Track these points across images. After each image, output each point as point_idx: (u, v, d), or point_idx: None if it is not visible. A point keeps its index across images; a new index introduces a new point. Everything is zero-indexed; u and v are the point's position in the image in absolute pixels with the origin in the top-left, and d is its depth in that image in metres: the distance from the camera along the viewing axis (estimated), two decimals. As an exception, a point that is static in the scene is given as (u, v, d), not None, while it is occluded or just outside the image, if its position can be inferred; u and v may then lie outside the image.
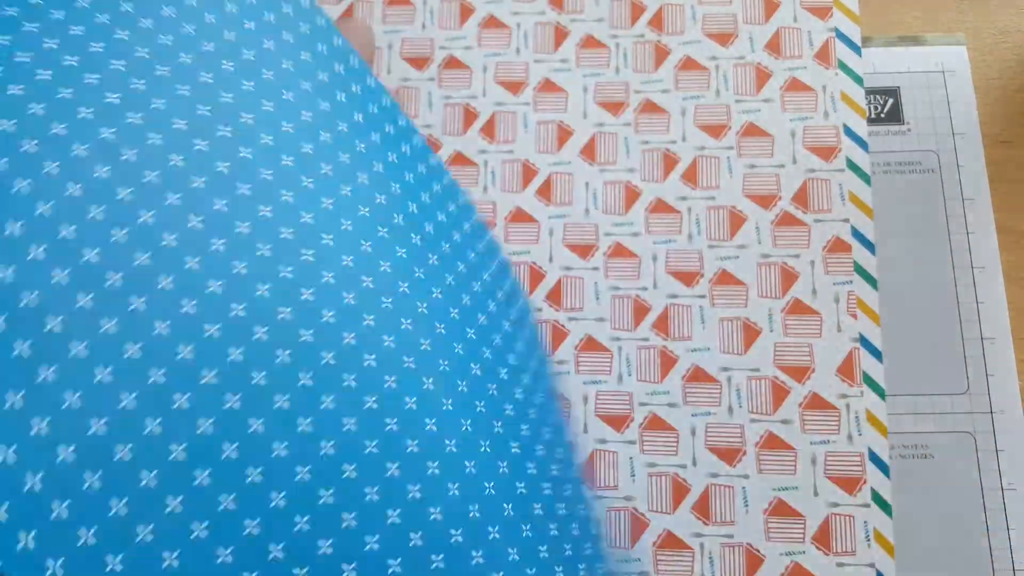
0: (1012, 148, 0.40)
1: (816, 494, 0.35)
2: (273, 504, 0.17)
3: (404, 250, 0.21)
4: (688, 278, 0.38)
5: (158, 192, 0.18)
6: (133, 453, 0.16)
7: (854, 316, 0.37)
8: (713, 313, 0.37)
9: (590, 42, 0.41)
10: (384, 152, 0.22)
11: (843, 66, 0.40)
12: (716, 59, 0.41)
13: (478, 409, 0.21)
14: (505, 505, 0.20)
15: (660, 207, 0.39)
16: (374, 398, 0.19)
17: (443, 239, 0.23)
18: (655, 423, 0.36)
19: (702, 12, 0.41)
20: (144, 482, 0.16)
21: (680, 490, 0.35)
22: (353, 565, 0.18)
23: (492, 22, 0.42)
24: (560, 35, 0.42)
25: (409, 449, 0.19)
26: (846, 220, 0.38)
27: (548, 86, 0.41)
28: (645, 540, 0.35)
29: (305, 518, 0.18)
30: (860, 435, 0.35)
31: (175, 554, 0.16)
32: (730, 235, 0.38)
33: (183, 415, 0.17)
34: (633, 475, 0.35)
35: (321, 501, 0.18)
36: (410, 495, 0.19)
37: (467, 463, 0.20)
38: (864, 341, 0.36)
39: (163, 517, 0.17)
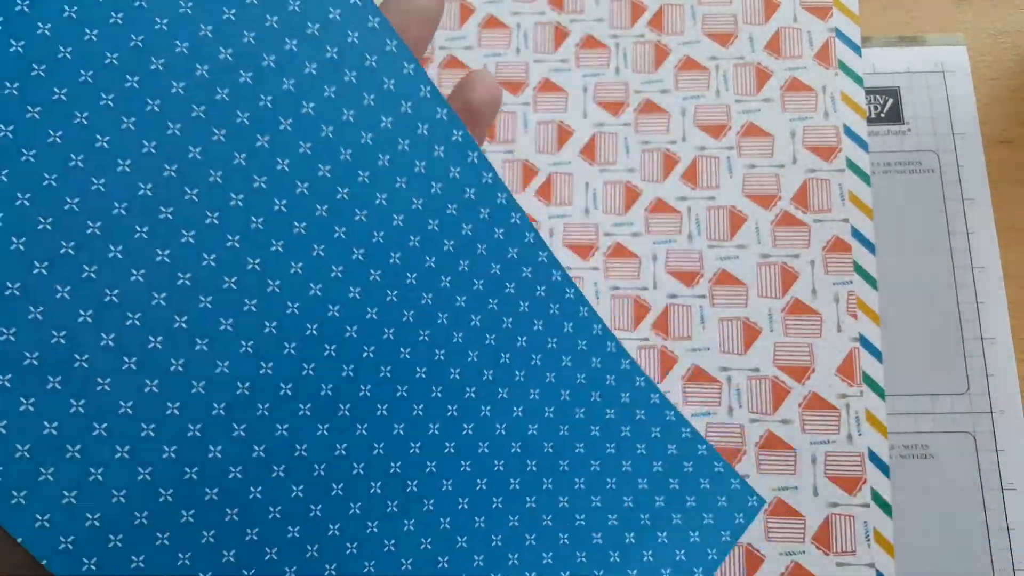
0: (1012, 148, 0.40)
1: (816, 494, 0.35)
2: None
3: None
4: (688, 278, 0.38)
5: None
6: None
7: (854, 316, 0.37)
8: (713, 313, 0.37)
9: (590, 42, 0.41)
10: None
11: (843, 66, 0.40)
12: (716, 59, 0.41)
13: None
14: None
15: (660, 207, 0.39)
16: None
17: None
18: (655, 423, 0.36)
19: (702, 12, 0.41)
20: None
21: (680, 490, 0.35)
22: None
23: (492, 22, 0.42)
24: (560, 35, 0.42)
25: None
26: (846, 220, 0.38)
27: (548, 86, 0.41)
28: (645, 540, 0.35)
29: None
30: (860, 435, 0.35)
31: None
32: (730, 235, 0.38)
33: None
34: (633, 475, 0.35)
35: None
36: None
37: None
38: (864, 341, 0.36)
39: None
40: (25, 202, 0.16)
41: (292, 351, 0.19)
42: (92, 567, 0.16)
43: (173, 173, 0.18)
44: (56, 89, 0.17)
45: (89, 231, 0.17)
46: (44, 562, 0.16)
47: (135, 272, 0.17)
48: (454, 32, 0.42)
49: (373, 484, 0.20)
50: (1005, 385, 0.36)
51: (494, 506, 0.22)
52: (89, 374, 0.17)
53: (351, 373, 0.20)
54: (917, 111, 0.40)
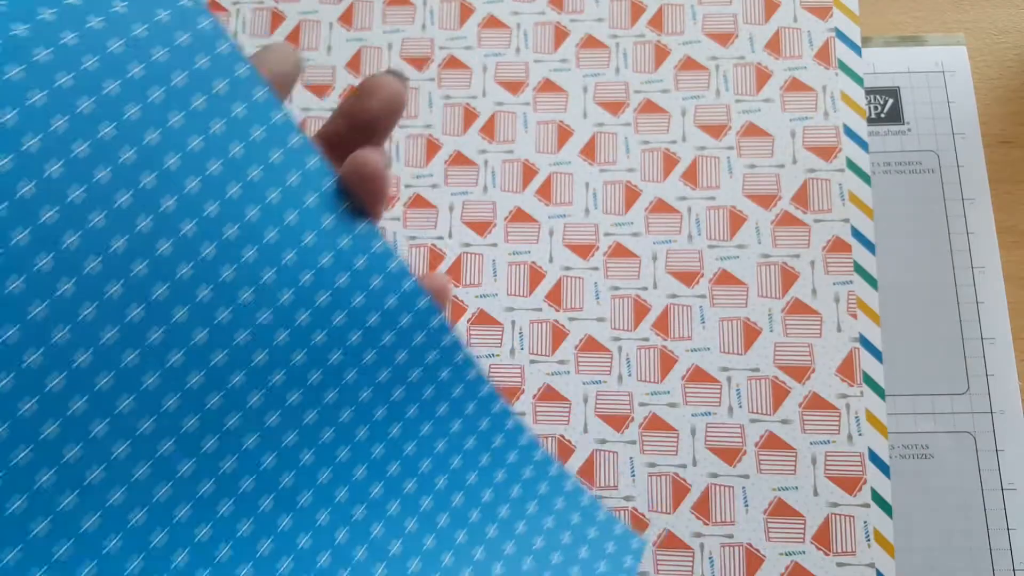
0: (1012, 148, 0.40)
1: (816, 494, 0.35)
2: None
3: None
4: (688, 278, 0.38)
5: None
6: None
7: (854, 316, 0.37)
8: (713, 313, 0.37)
9: (590, 42, 0.41)
10: None
11: (843, 66, 0.40)
12: (716, 59, 0.41)
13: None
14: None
15: (660, 207, 0.39)
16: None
17: None
18: (655, 423, 0.36)
19: (702, 12, 0.41)
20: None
21: (680, 490, 0.35)
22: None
23: (492, 22, 0.42)
24: (560, 35, 0.42)
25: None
26: (846, 220, 0.38)
27: (548, 86, 0.41)
28: (645, 540, 0.34)
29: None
30: (860, 435, 0.35)
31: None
32: (730, 235, 0.38)
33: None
34: (633, 475, 0.35)
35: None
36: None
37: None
38: (864, 341, 0.36)
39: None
40: None
41: (170, 412, 0.18)
42: None
43: (50, 263, 0.17)
44: None
45: None
46: None
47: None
48: (454, 32, 0.42)
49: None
50: (1005, 385, 0.36)
51: None
52: None
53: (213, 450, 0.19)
54: (917, 111, 0.40)
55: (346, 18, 0.43)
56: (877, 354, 0.36)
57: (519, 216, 0.39)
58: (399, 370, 0.23)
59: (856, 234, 0.38)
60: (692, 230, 0.38)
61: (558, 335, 0.37)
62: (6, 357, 0.16)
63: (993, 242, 0.38)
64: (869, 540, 0.34)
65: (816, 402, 0.36)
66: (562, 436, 0.36)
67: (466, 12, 0.42)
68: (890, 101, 0.40)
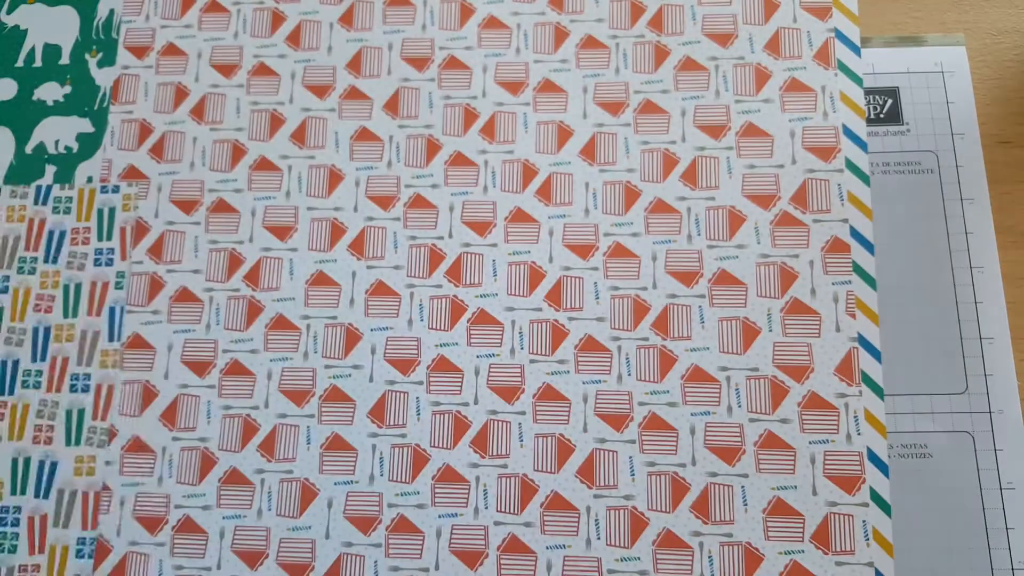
0: (1011, 148, 0.40)
1: (815, 493, 0.35)
2: None
3: None
4: (687, 278, 0.38)
5: None
6: None
7: (853, 316, 0.37)
8: (712, 313, 0.37)
9: (590, 42, 0.41)
10: None
11: (842, 66, 0.40)
12: (716, 59, 0.41)
13: None
14: None
15: (660, 207, 0.39)
16: None
17: None
18: (654, 422, 0.36)
19: (702, 12, 0.41)
20: None
21: (679, 489, 0.35)
22: None
23: (492, 22, 0.42)
24: (560, 35, 0.42)
25: None
26: (845, 220, 0.38)
27: (548, 86, 0.41)
28: (644, 539, 0.35)
29: None
30: (859, 434, 0.35)
31: None
32: (729, 235, 0.38)
33: None
34: (633, 474, 0.35)
35: None
36: None
37: None
38: (863, 341, 0.36)
39: None
40: None
41: None
42: None
43: None
44: None
45: None
46: None
47: None
48: (455, 32, 0.42)
49: None
50: (1004, 385, 0.36)
51: None
52: None
53: None
54: (916, 111, 0.40)
55: (346, 18, 0.43)
56: (876, 354, 0.36)
57: (519, 216, 0.39)
58: None
59: (855, 234, 0.38)
60: (692, 230, 0.38)
61: (558, 335, 0.37)
62: None
63: (992, 242, 0.38)
64: (868, 539, 0.34)
65: (815, 402, 0.36)
66: (562, 435, 0.36)
67: (466, 12, 0.42)
68: (889, 101, 0.40)
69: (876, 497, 0.35)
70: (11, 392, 0.39)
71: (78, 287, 0.40)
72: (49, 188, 0.41)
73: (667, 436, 0.36)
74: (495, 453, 0.36)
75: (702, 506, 0.35)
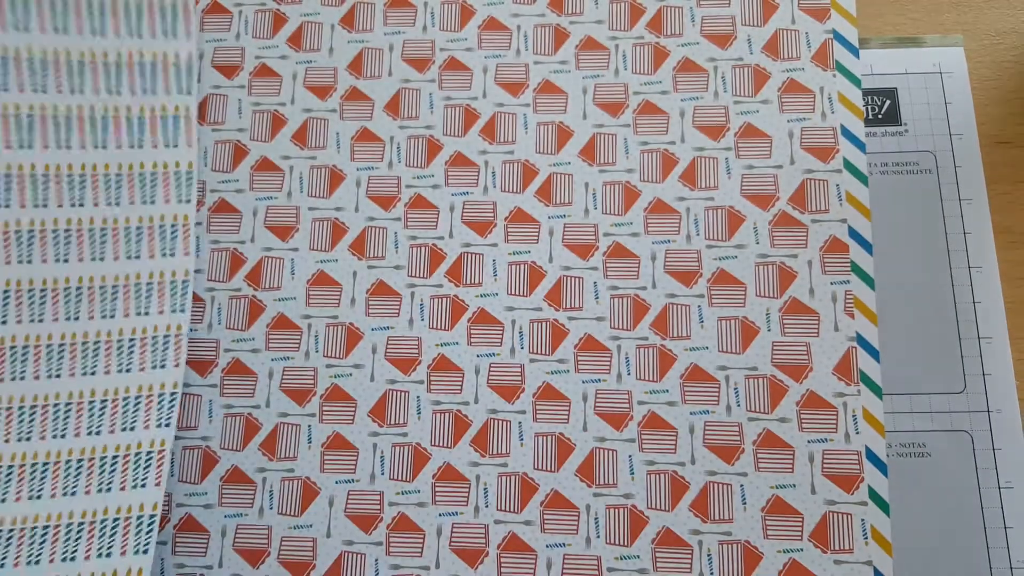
0: (1009, 148, 0.40)
1: (814, 492, 0.35)
2: None
3: None
4: (687, 278, 0.38)
5: None
6: None
7: (851, 315, 0.37)
8: (711, 312, 0.37)
9: (590, 44, 0.42)
10: None
11: (841, 67, 0.40)
12: (715, 60, 0.41)
13: None
14: None
15: (659, 207, 0.39)
16: None
17: None
18: (654, 421, 0.36)
19: (701, 14, 0.42)
20: None
21: (679, 488, 0.35)
22: None
23: (492, 24, 0.42)
24: (560, 37, 0.42)
25: None
26: (844, 220, 0.38)
27: (548, 87, 0.41)
28: (644, 537, 0.35)
29: None
30: (858, 433, 0.35)
31: None
32: (728, 235, 0.38)
33: None
34: (632, 473, 0.36)
35: None
36: None
37: None
38: (861, 340, 0.37)
39: None
40: None
41: None
42: None
43: None
44: None
45: None
46: None
47: None
48: (455, 34, 0.42)
49: None
50: (1002, 384, 0.36)
51: None
52: None
53: None
54: (915, 112, 0.40)
55: (348, 20, 0.43)
56: (874, 353, 0.36)
57: (519, 216, 0.39)
58: None
59: (853, 234, 0.38)
60: (691, 230, 0.39)
61: (558, 334, 0.38)
62: None
63: (990, 242, 0.38)
64: (867, 538, 0.34)
65: (814, 401, 0.36)
66: (561, 434, 0.36)
67: (467, 14, 0.43)
68: (888, 102, 0.41)
69: (875, 496, 0.35)
70: None
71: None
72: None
73: (666, 435, 0.36)
74: (495, 452, 0.36)
75: (701, 505, 0.35)
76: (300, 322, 0.39)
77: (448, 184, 0.40)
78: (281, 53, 0.43)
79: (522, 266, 0.39)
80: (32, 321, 0.36)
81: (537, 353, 0.37)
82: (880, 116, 0.40)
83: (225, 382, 0.38)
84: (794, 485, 0.35)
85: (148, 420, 0.35)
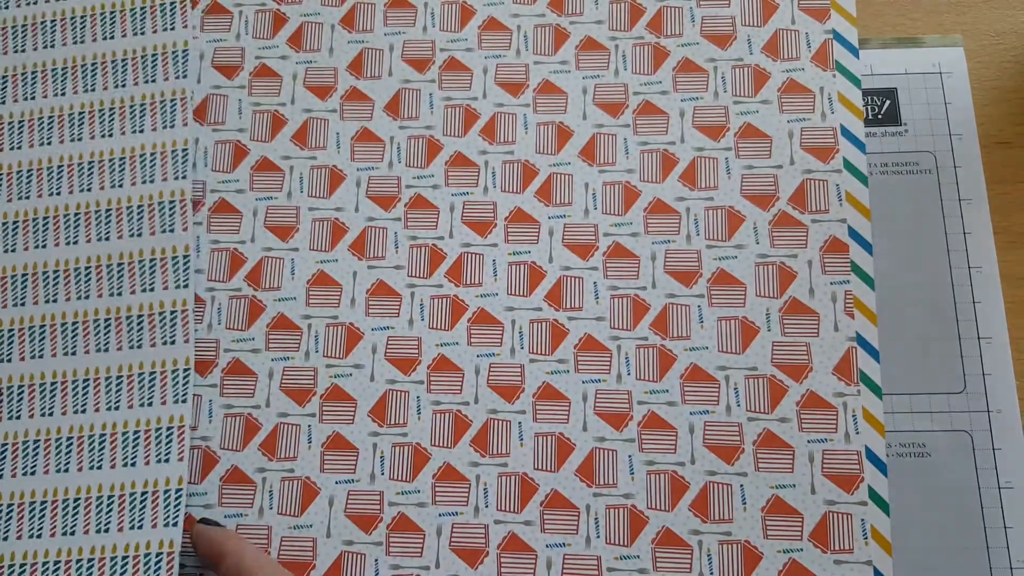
0: (1009, 149, 0.40)
1: (814, 492, 0.35)
2: None
3: None
4: (686, 278, 0.38)
5: None
6: None
7: (851, 315, 0.37)
8: (711, 312, 0.37)
9: (590, 44, 0.42)
10: None
11: (841, 67, 0.40)
12: (714, 61, 0.41)
13: None
14: None
15: (659, 207, 0.39)
16: None
17: None
18: (654, 421, 0.36)
19: (701, 14, 0.42)
20: None
21: (679, 488, 0.35)
22: None
23: (493, 24, 0.42)
24: (560, 37, 0.42)
25: None
26: (843, 220, 0.38)
27: (548, 87, 0.41)
28: (644, 538, 0.35)
29: None
30: (857, 433, 0.35)
31: None
32: (728, 235, 0.38)
33: None
34: (632, 473, 0.36)
35: None
36: None
37: None
38: (861, 340, 0.37)
39: None
40: None
41: None
42: None
43: None
44: None
45: None
46: None
47: None
48: (455, 34, 0.42)
49: None
50: (1002, 384, 0.36)
51: None
52: None
53: None
54: (914, 112, 0.40)
55: (348, 20, 0.43)
56: (874, 353, 0.36)
57: (519, 216, 0.39)
58: None
59: (853, 234, 0.38)
60: (691, 230, 0.39)
61: (558, 334, 0.38)
62: None
63: (990, 242, 0.38)
64: (867, 538, 0.34)
65: (813, 401, 0.36)
66: (561, 434, 0.36)
67: (467, 14, 0.43)
68: (887, 102, 0.41)
69: (875, 496, 0.35)
70: None
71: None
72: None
73: (666, 435, 0.36)
74: (495, 452, 0.36)
75: (701, 505, 0.35)
76: (300, 322, 0.39)
77: (448, 184, 0.40)
78: (281, 53, 0.43)
79: (522, 266, 0.39)
80: (47, 302, 0.38)
81: (537, 353, 0.37)
82: (880, 116, 0.40)
83: (225, 382, 0.38)
84: (794, 485, 0.35)
85: (165, 396, 0.37)
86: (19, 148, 0.39)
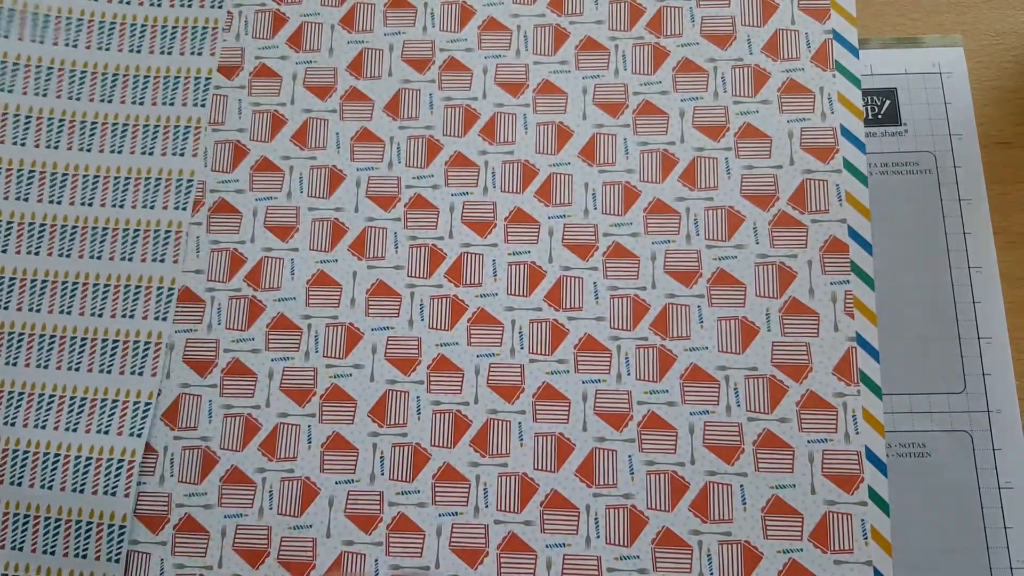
0: (1009, 149, 0.40)
1: (814, 492, 0.35)
2: None
3: None
4: (686, 278, 0.38)
5: None
6: None
7: (851, 315, 0.37)
8: (711, 313, 0.37)
9: (589, 44, 0.42)
10: None
11: (840, 68, 0.40)
12: (714, 61, 0.41)
13: None
14: None
15: (659, 207, 0.39)
16: None
17: None
18: (654, 421, 0.36)
19: (700, 14, 0.42)
20: None
21: (679, 488, 0.35)
22: None
23: (492, 24, 0.42)
24: (560, 37, 0.42)
25: None
26: (843, 220, 0.38)
27: (548, 88, 0.41)
28: (644, 538, 0.35)
29: None
30: (857, 433, 0.35)
31: None
32: (728, 235, 0.38)
33: None
34: (632, 473, 0.36)
35: None
36: None
37: None
38: (861, 340, 0.37)
39: None
40: None
41: None
42: None
43: None
44: None
45: None
46: None
47: None
48: (455, 34, 0.42)
49: None
50: (1002, 384, 0.36)
51: None
52: None
53: None
54: (914, 112, 0.40)
55: (347, 20, 0.43)
56: (874, 353, 0.36)
57: (519, 216, 0.39)
58: None
59: (853, 234, 0.38)
60: (690, 230, 0.39)
61: (558, 334, 0.38)
62: None
63: (990, 242, 0.38)
64: (866, 538, 0.34)
65: (813, 401, 0.36)
66: (561, 434, 0.36)
67: (467, 14, 0.43)
68: (887, 102, 0.41)
69: (875, 496, 0.35)
70: None
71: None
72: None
73: (666, 435, 0.36)
74: (495, 452, 0.36)
75: (701, 505, 0.35)
76: (300, 322, 0.39)
77: (448, 184, 0.40)
78: (281, 53, 0.43)
79: (522, 266, 0.39)
80: (51, 202, 0.39)
81: (537, 353, 0.37)
82: (880, 116, 0.40)
83: (225, 382, 0.38)
84: (794, 485, 0.35)
85: (147, 311, 0.38)
86: (23, 145, 0.39)
